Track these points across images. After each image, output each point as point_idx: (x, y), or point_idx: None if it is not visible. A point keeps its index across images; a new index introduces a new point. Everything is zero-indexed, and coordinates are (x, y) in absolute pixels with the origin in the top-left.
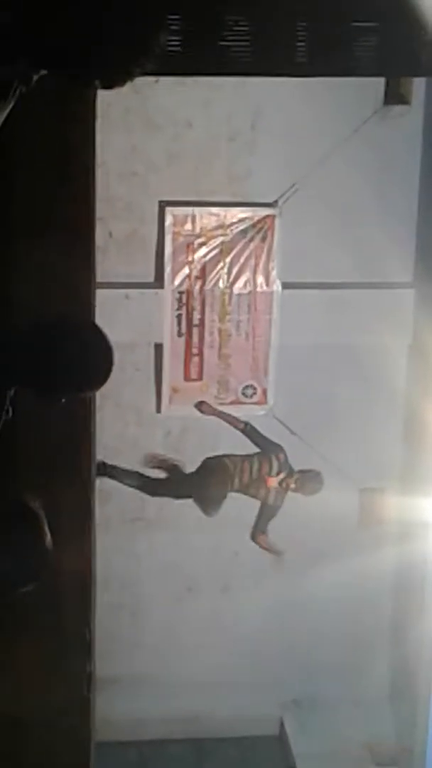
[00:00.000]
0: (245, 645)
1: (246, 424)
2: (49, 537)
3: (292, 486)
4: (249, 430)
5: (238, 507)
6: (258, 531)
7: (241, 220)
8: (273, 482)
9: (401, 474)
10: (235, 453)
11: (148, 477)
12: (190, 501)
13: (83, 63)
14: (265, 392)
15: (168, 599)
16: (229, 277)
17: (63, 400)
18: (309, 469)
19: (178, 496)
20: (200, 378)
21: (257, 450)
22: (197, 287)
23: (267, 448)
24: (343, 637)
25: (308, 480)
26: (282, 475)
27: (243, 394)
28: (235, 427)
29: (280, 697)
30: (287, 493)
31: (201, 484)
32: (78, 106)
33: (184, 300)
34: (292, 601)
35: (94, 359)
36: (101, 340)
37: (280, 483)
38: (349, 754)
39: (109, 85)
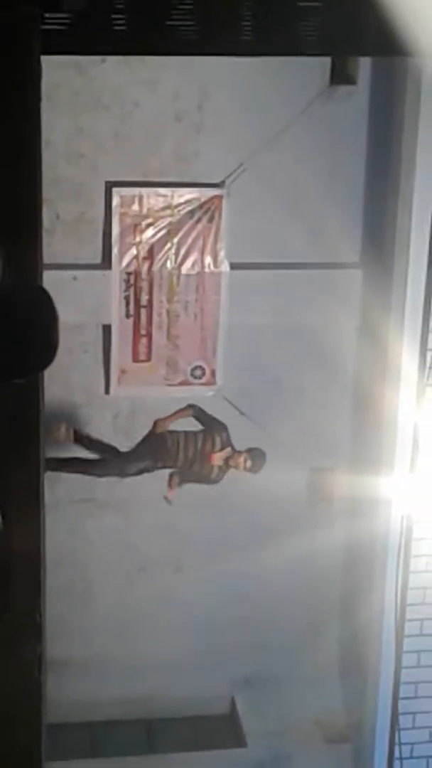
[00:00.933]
0: (196, 625)
1: (192, 407)
2: (0, 517)
3: (236, 464)
4: (197, 412)
5: (189, 486)
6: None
7: (188, 201)
8: (217, 459)
9: (350, 453)
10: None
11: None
12: (139, 480)
13: None
14: (213, 373)
15: (120, 580)
16: (176, 258)
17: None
18: (253, 448)
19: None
20: (149, 359)
21: (200, 428)
22: (145, 268)
23: (212, 426)
24: (293, 616)
25: (253, 458)
26: (226, 453)
27: (192, 374)
28: (186, 416)
29: (230, 676)
30: (228, 470)
31: (143, 457)
32: (22, 84)
33: (132, 281)
34: (242, 581)
35: (37, 331)
36: (45, 305)
37: (225, 461)
38: (299, 731)
39: None
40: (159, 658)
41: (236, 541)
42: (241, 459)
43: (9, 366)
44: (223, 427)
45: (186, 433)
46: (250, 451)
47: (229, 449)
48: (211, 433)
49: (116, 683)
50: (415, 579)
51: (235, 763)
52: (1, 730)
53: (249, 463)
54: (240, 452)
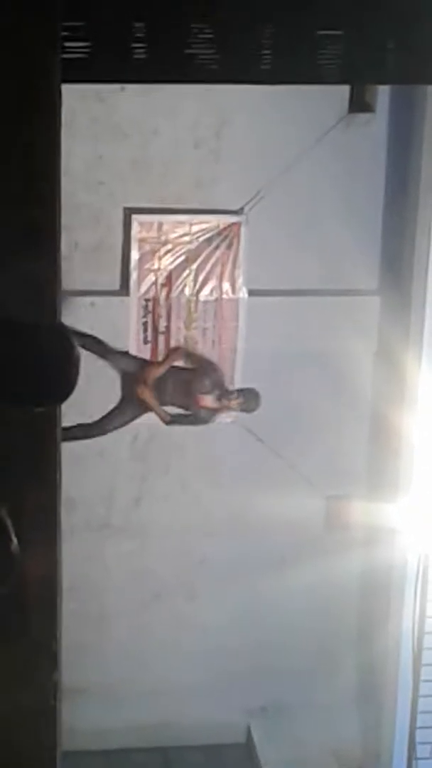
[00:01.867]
0: (212, 652)
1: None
2: (15, 543)
3: (229, 404)
4: (186, 353)
5: (204, 513)
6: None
7: (206, 228)
8: (206, 401)
9: (367, 481)
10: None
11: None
12: (155, 507)
13: None
14: None
15: (135, 607)
16: (195, 285)
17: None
18: (247, 388)
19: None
20: None
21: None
22: (163, 295)
23: (203, 366)
24: (309, 643)
25: (245, 397)
26: (215, 394)
27: None
28: (178, 359)
29: (246, 705)
30: (220, 411)
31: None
32: (42, 112)
33: (150, 307)
34: (258, 608)
35: (57, 367)
36: (66, 345)
37: (215, 401)
38: (315, 760)
39: None
40: (174, 685)
41: (252, 567)
42: (233, 398)
43: (30, 397)
44: (213, 368)
45: (175, 368)
46: (242, 390)
47: (218, 392)
48: (201, 373)
49: (131, 710)
50: None
51: None
52: (18, 757)
53: (240, 401)
54: (232, 392)
